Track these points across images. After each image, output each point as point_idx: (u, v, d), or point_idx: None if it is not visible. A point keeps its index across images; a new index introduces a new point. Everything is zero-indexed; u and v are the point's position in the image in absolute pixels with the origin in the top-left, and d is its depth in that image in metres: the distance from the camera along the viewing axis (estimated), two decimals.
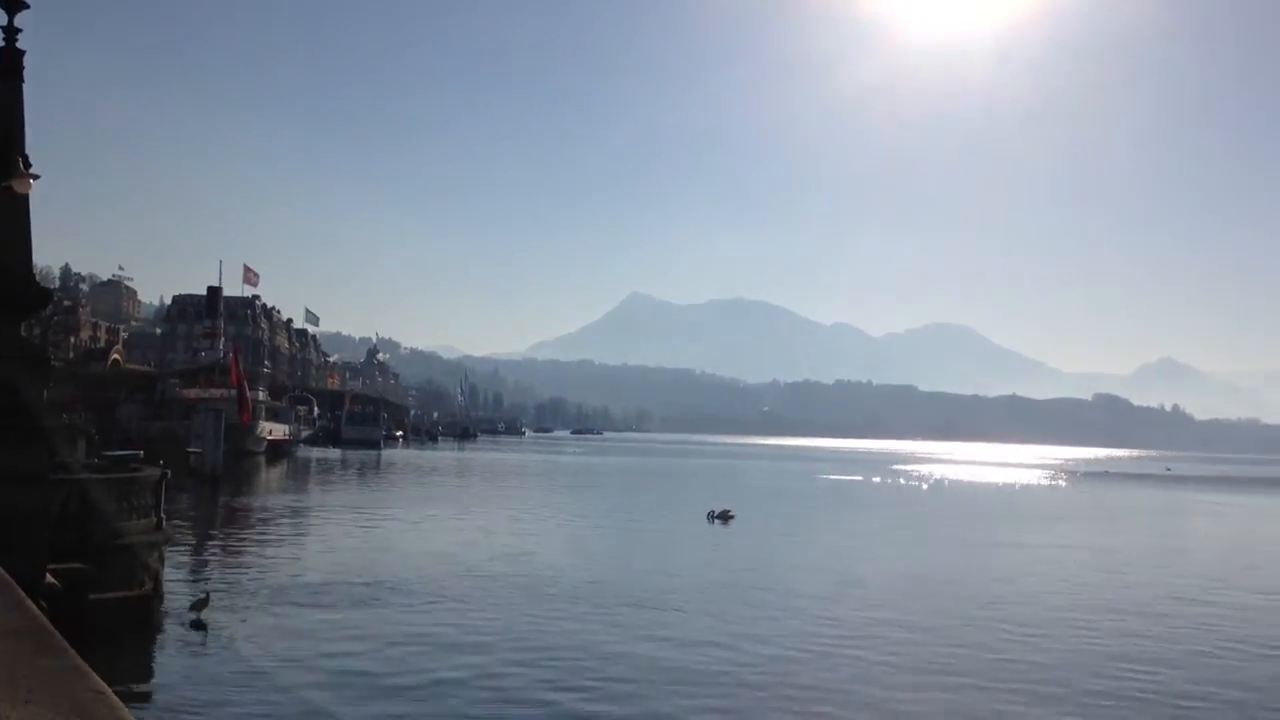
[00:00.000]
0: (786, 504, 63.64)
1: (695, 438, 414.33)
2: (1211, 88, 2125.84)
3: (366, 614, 21.66)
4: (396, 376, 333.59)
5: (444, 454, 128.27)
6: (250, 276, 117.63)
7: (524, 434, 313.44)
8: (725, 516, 45.41)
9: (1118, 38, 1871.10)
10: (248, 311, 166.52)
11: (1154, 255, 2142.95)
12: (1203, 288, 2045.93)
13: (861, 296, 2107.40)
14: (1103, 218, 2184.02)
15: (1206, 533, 54.49)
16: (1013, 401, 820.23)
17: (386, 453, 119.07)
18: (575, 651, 19.01)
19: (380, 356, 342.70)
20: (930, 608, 25.22)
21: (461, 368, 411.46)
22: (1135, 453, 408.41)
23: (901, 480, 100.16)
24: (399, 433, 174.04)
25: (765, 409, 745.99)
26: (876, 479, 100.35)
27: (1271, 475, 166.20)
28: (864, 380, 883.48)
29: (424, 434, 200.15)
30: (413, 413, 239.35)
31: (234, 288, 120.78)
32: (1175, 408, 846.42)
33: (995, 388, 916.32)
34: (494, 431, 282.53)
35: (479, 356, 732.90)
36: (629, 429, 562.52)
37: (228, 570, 26.94)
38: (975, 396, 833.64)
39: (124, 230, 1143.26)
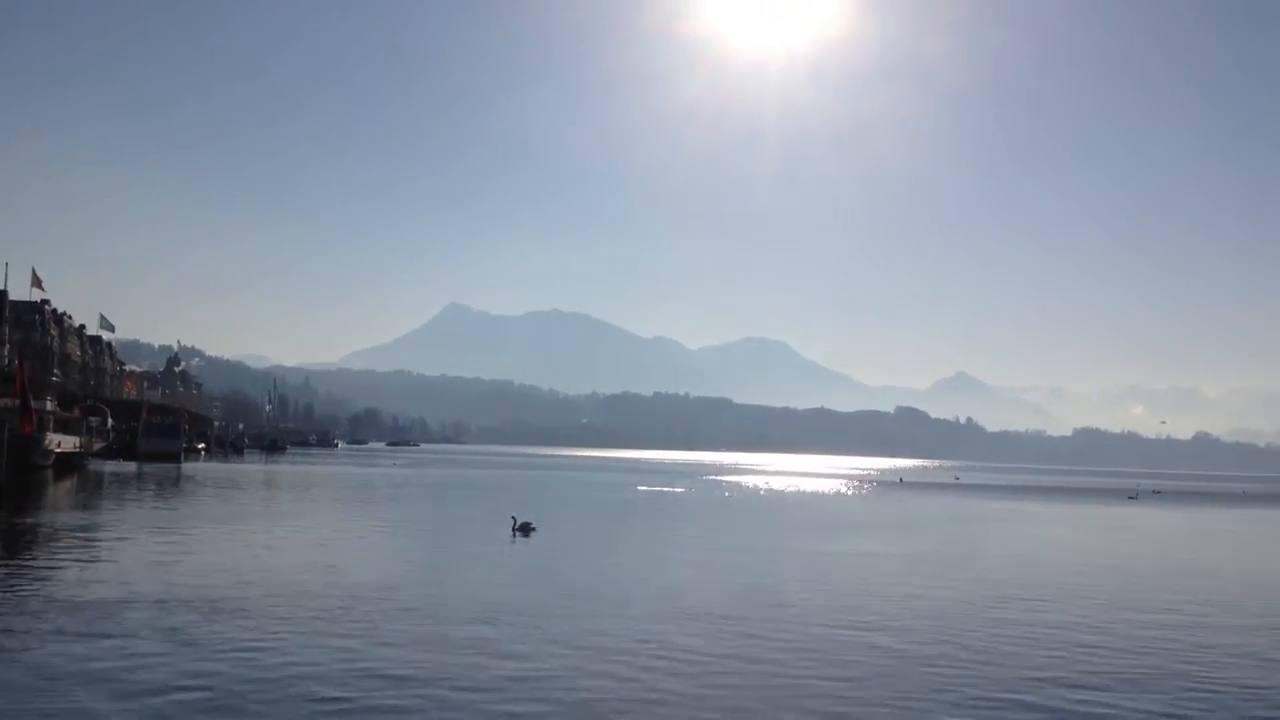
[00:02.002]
0: (598, 515, 64.38)
1: (513, 449, 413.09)
2: (1008, 111, 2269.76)
3: (158, 635, 20.93)
4: (200, 386, 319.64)
5: (250, 467, 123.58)
6: (38, 280, 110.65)
7: (337, 446, 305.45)
8: (526, 529, 45.50)
9: (920, 63, 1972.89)
10: (35, 317, 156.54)
11: (947, 273, 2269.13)
12: (990, 305, 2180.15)
13: (680, 310, 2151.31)
14: (901, 236, 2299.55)
15: (993, 537, 58.20)
16: (820, 414, 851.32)
17: (187, 466, 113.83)
18: (369, 667, 18.98)
19: (184, 365, 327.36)
20: (743, 616, 26.17)
21: (270, 377, 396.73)
22: (932, 463, 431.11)
23: (719, 491, 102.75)
24: (201, 445, 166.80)
25: (584, 421, 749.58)
26: (688, 489, 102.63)
27: (1050, 484, 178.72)
28: (682, 393, 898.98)
29: (229, 446, 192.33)
30: (217, 424, 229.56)
31: (21, 292, 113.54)
32: (969, 420, 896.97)
33: (805, 400, 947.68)
34: (305, 444, 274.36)
35: (290, 366, 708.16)
36: (446, 441, 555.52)
37: (8, 592, 25.49)
38: (786, 409, 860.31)
39: None
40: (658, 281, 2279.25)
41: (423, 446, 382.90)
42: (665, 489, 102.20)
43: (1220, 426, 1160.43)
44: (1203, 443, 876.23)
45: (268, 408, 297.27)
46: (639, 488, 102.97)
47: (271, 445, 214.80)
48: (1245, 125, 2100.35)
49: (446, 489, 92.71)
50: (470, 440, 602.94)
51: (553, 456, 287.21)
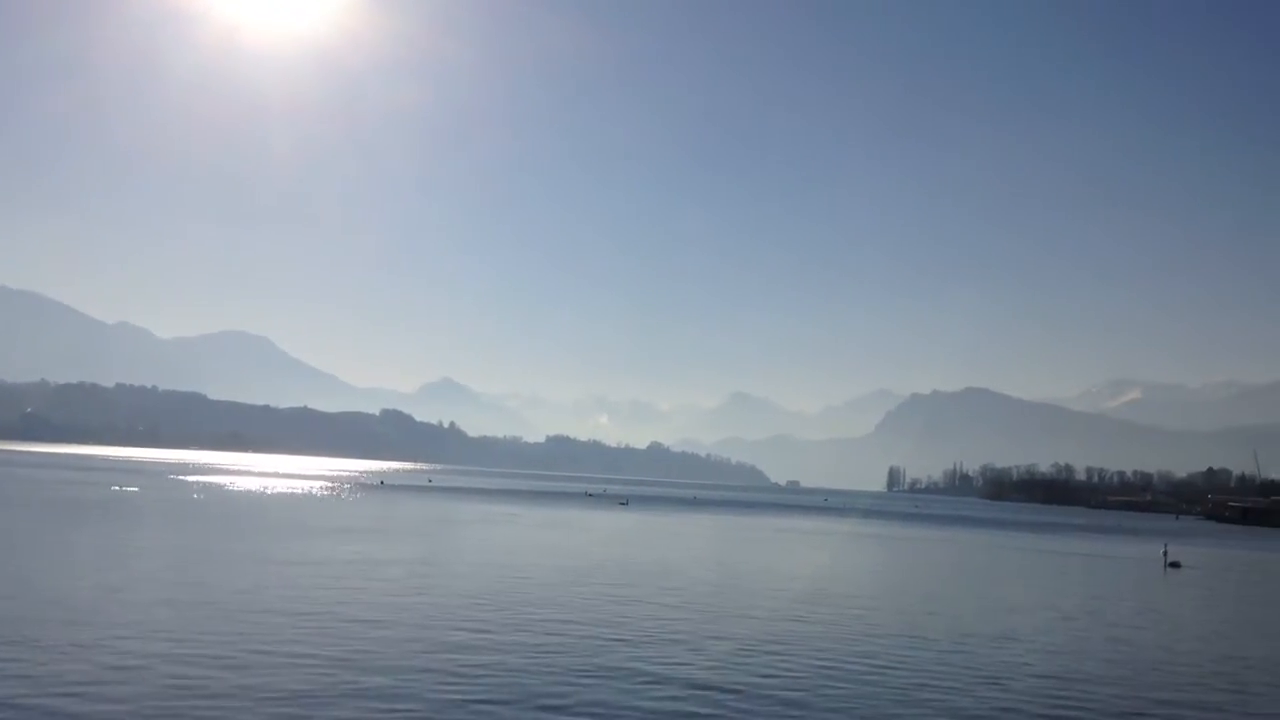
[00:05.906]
0: (28, 520, 56.20)
1: None
2: (517, 124, 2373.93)
3: None
4: None
5: None
6: None
7: None
8: None
9: (438, 65, 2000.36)
10: None
11: (439, 279, 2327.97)
12: (478, 313, 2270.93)
13: (151, 295, 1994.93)
14: (397, 239, 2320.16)
15: (460, 541, 59.44)
16: (304, 414, 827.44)
17: None
18: None
19: None
20: (205, 625, 24.05)
21: None
22: (415, 466, 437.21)
23: (185, 492, 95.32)
24: None
25: (29, 411, 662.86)
26: (144, 490, 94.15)
27: (525, 488, 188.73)
28: (149, 385, 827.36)
29: None
30: None
31: None
32: (452, 424, 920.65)
33: (287, 399, 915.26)
34: None
35: None
36: None
37: None
38: (266, 407, 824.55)
39: None
40: (124, 263, 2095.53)
41: None
42: (118, 489, 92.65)
43: (670, 437, 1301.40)
44: (656, 451, 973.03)
45: None
46: (77, 487, 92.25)
47: None
48: (725, 180, 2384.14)
49: None
50: None
51: None
